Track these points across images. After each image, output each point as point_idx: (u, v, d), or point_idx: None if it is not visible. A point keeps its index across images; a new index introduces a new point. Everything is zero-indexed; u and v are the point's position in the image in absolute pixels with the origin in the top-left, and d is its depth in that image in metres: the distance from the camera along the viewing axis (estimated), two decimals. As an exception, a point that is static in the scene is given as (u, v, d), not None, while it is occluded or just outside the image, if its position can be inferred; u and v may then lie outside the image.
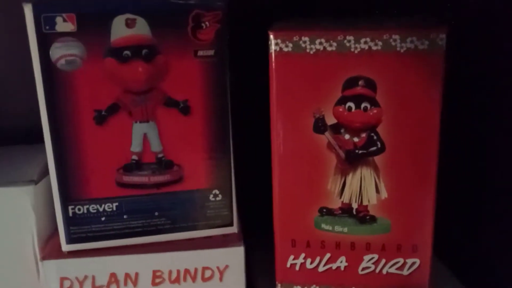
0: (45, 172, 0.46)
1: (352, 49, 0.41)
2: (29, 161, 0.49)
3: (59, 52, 0.40)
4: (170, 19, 0.40)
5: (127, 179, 0.44)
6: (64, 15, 0.39)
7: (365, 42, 0.40)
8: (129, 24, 0.40)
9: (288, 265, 0.47)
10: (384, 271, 0.45)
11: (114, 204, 0.44)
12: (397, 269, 0.45)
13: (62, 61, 0.40)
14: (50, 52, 0.40)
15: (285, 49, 0.41)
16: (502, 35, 0.46)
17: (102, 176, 0.43)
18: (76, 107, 0.41)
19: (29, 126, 0.54)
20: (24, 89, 0.51)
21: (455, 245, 0.53)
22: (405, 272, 0.45)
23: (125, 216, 0.44)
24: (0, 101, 0.57)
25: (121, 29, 0.40)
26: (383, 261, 0.45)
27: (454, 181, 0.52)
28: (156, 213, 0.45)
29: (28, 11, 0.39)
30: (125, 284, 0.45)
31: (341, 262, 0.46)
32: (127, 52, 0.40)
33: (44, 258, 0.44)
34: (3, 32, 0.54)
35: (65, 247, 0.45)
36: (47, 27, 0.39)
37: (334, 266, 0.46)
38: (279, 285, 0.47)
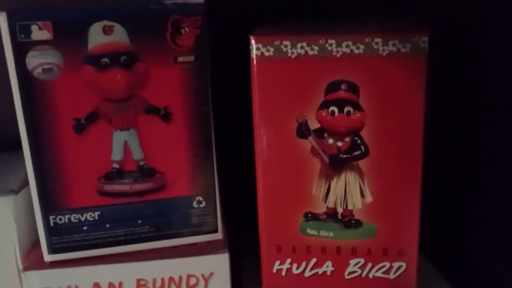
0: (26, 182, 0.44)
1: (334, 53, 0.40)
2: (9, 170, 0.48)
3: (36, 60, 0.38)
4: (149, 26, 0.39)
5: (109, 187, 0.42)
6: (39, 23, 0.38)
7: (347, 46, 0.39)
8: (107, 31, 0.39)
9: (274, 271, 0.46)
10: (370, 275, 0.45)
11: (96, 213, 0.43)
12: (383, 273, 0.44)
13: (39, 70, 0.39)
14: (27, 61, 0.38)
15: (267, 54, 0.40)
16: (486, 35, 0.45)
17: (83, 185, 0.42)
18: (55, 116, 0.40)
19: (8, 134, 0.52)
20: (1, 95, 0.49)
21: (442, 245, 0.53)
22: (392, 275, 0.44)
23: (107, 225, 0.43)
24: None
25: (98, 37, 0.39)
26: (369, 265, 0.44)
27: (440, 182, 0.51)
28: (139, 221, 0.44)
29: (2, 19, 0.37)
30: (109, 293, 0.44)
31: (327, 266, 0.45)
32: (105, 60, 0.39)
33: (26, 269, 0.43)
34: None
35: (47, 258, 0.43)
36: (23, 36, 0.38)
37: (320, 270, 0.45)
38: (265, 290, 0.46)
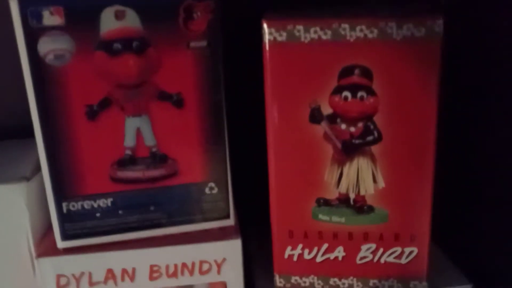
0: (38, 168, 0.44)
1: (348, 38, 0.39)
2: (21, 157, 0.47)
3: (47, 46, 0.38)
4: (161, 10, 0.38)
5: (121, 174, 0.42)
6: (51, 8, 0.37)
7: (361, 30, 0.39)
8: (119, 16, 0.38)
9: (286, 256, 0.45)
10: (382, 260, 0.44)
11: (109, 200, 0.42)
12: (395, 258, 0.44)
13: (51, 56, 0.38)
14: (38, 47, 0.38)
15: (279, 39, 0.40)
16: (500, 21, 0.45)
17: (96, 172, 0.41)
18: (67, 103, 0.39)
19: (19, 121, 0.52)
20: (13, 82, 0.49)
21: (454, 231, 0.52)
22: (403, 260, 0.44)
23: (120, 212, 0.43)
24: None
25: (110, 22, 0.38)
26: (381, 250, 0.44)
27: (452, 168, 0.51)
28: (152, 208, 0.43)
29: (14, 5, 0.36)
30: (122, 279, 0.43)
31: (339, 252, 0.45)
32: (117, 45, 0.39)
33: (39, 255, 0.43)
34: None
35: (60, 244, 0.43)
36: (34, 22, 0.37)
37: (332, 256, 0.45)
38: (277, 276, 0.46)
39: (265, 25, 0.40)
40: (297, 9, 0.44)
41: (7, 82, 0.53)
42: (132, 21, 0.38)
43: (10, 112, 0.54)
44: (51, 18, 0.37)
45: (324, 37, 0.39)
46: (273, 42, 0.40)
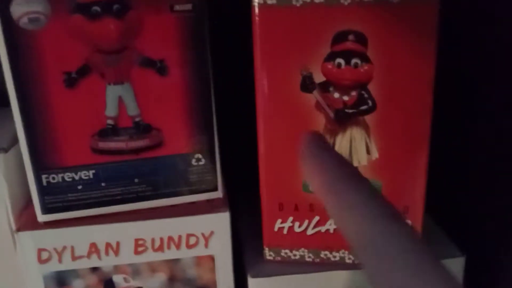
0: (16, 139, 0.42)
1: (342, 1, 0.37)
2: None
3: (21, 9, 0.35)
4: (142, -30, 0.36)
5: (103, 145, 0.40)
6: (23, -33, 0.34)
7: (356, -7, 0.36)
8: (97, -24, 0.35)
9: (276, 229, 0.44)
10: (374, 233, 0.43)
11: (91, 172, 0.40)
12: (388, 230, 0.43)
13: (25, 19, 0.35)
14: (11, 10, 0.35)
15: (270, 1, 0.37)
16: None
17: (76, 143, 0.39)
18: (43, 70, 0.37)
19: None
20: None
21: (447, 203, 0.51)
22: (396, 233, 0.43)
23: (103, 184, 0.41)
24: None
25: (88, -18, 0.35)
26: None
27: (448, 139, 0.49)
28: (136, 180, 0.41)
29: (-18, -37, 0.34)
30: (106, 253, 0.42)
31: (330, 225, 0.43)
32: (96, 8, 0.36)
33: (19, 229, 0.41)
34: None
35: (41, 218, 0.41)
36: (6, -18, 0.34)
37: (323, 229, 0.43)
38: (266, 249, 0.45)
39: (254, -13, 0.37)
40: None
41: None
42: (111, -19, 0.36)
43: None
44: (23, -22, 0.34)
45: (317, 0, 0.37)
46: (263, 5, 0.37)
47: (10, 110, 0.39)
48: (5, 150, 0.41)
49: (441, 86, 0.39)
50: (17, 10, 0.35)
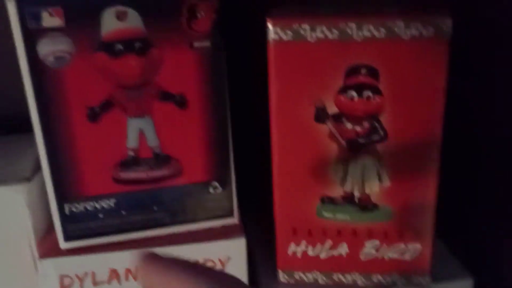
0: (38, 167, 0.43)
1: (355, 37, 0.38)
2: (20, 155, 0.46)
3: (47, 48, 0.36)
4: (164, 10, 0.37)
5: (124, 175, 0.41)
6: (50, 9, 0.35)
7: (368, 30, 0.38)
8: (120, 16, 0.36)
9: (289, 253, 0.45)
10: (385, 257, 0.44)
11: (112, 201, 0.42)
12: (398, 254, 0.44)
13: (51, 58, 0.37)
14: (38, 49, 0.36)
15: (285, 38, 0.39)
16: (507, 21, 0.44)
17: (98, 173, 0.41)
18: (68, 104, 0.38)
19: (18, 113, 0.50)
20: (9, 75, 0.47)
21: (456, 225, 0.53)
22: (407, 257, 0.44)
23: (123, 212, 0.42)
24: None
25: (112, 22, 0.36)
26: (385, 246, 0.44)
27: (457, 165, 0.51)
28: (155, 208, 0.43)
29: (11, 6, 0.35)
30: (126, 279, 0.43)
31: (343, 248, 0.44)
32: (119, 46, 0.37)
33: (42, 256, 0.42)
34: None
35: (63, 245, 0.42)
36: (33, 23, 0.35)
37: (335, 252, 0.45)
38: (280, 272, 0.46)
39: (270, 24, 0.38)
40: (301, 5, 0.43)
41: (5, 72, 0.51)
42: (134, 21, 0.37)
43: (9, 104, 0.53)
44: (50, 19, 0.36)
45: (330, 36, 0.38)
46: (278, 41, 0.39)
47: (29, 136, 0.40)
48: (28, 180, 0.42)
49: (451, 114, 0.40)
50: (44, 49, 0.36)
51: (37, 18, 0.35)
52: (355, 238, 0.44)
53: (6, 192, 0.41)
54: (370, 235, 0.43)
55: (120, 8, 0.36)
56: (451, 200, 0.51)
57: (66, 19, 0.36)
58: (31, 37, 0.36)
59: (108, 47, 0.37)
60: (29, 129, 0.40)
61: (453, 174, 0.50)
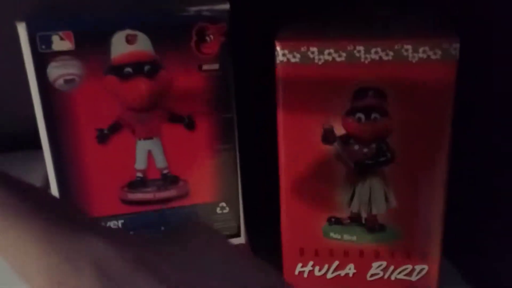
0: (46, 185, 0.43)
1: (362, 59, 0.38)
2: (28, 172, 0.46)
3: (57, 72, 0.36)
4: (173, 34, 0.37)
5: (132, 196, 0.41)
6: (61, 33, 0.35)
7: (376, 52, 0.38)
8: (130, 40, 0.37)
9: (296, 273, 0.45)
10: (392, 277, 0.44)
11: (120, 221, 0.42)
12: (405, 275, 0.44)
13: (61, 81, 0.37)
14: (48, 72, 0.36)
15: (292, 60, 0.39)
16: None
17: (107, 195, 0.41)
18: (77, 126, 0.38)
19: (24, 130, 0.50)
20: (19, 93, 0.47)
21: (463, 246, 0.52)
22: (414, 278, 0.44)
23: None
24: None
25: (121, 46, 0.37)
26: (392, 267, 0.44)
27: (463, 185, 0.51)
28: (163, 228, 0.43)
29: (21, 30, 0.35)
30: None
31: (350, 269, 0.44)
32: (128, 69, 0.37)
33: (49, 277, 0.42)
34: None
35: (71, 266, 0.42)
36: (43, 47, 0.36)
37: (342, 273, 0.44)
38: (287, 292, 0.46)
39: (278, 46, 0.39)
40: (308, 24, 0.43)
41: (13, 89, 0.51)
42: (143, 45, 0.37)
43: (17, 120, 0.53)
44: (60, 43, 0.36)
45: (338, 59, 0.38)
46: (286, 63, 0.39)
47: (37, 153, 0.40)
48: (36, 200, 0.42)
49: (457, 134, 0.40)
50: (54, 72, 0.36)
51: (48, 41, 0.36)
52: (362, 258, 0.44)
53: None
54: (377, 256, 0.43)
55: (130, 31, 0.36)
56: (458, 220, 0.51)
57: (76, 42, 0.36)
58: (42, 60, 0.36)
59: (117, 70, 0.37)
60: (37, 145, 0.39)
61: (460, 195, 0.50)
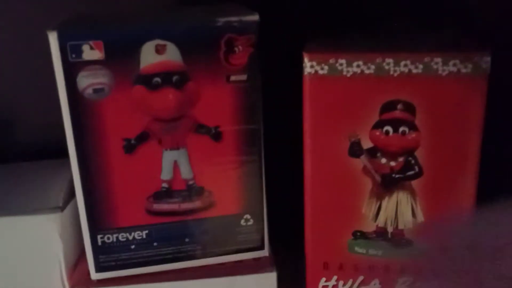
0: (70, 196, 0.43)
1: (391, 72, 0.38)
2: (54, 181, 0.46)
3: (87, 81, 0.36)
4: (202, 44, 0.37)
5: (157, 207, 0.41)
6: (91, 42, 0.36)
7: (405, 65, 0.37)
8: (159, 50, 0.37)
9: (320, 287, 0.44)
10: (418, 293, 0.43)
11: (144, 232, 0.41)
12: (432, 291, 0.43)
13: (90, 90, 0.37)
14: (77, 81, 0.36)
15: (321, 72, 0.39)
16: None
17: (132, 205, 0.40)
18: (104, 136, 0.38)
19: (52, 139, 0.51)
20: (48, 101, 0.47)
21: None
22: (440, 294, 0.43)
23: (155, 244, 0.42)
24: (19, 113, 0.54)
25: (151, 56, 0.37)
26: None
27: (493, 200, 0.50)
28: (187, 240, 0.42)
29: (53, 39, 0.35)
30: (156, 311, 0.43)
31: (375, 284, 0.43)
32: (157, 79, 0.37)
33: (73, 286, 0.42)
34: (27, 42, 0.51)
35: (94, 276, 0.42)
36: (74, 56, 0.36)
37: (367, 288, 0.44)
38: (310, 306, 0.45)
39: (306, 58, 0.38)
40: (337, 37, 0.43)
41: (43, 97, 0.51)
42: (173, 55, 0.37)
43: (41, 129, 0.54)
44: (91, 52, 0.36)
45: (367, 71, 0.38)
46: (314, 75, 0.39)
47: (64, 162, 0.40)
48: (61, 209, 0.42)
49: (487, 149, 0.40)
50: (83, 81, 0.37)
51: (78, 51, 0.36)
52: (388, 274, 0.43)
53: (39, 221, 0.41)
54: (403, 271, 0.43)
55: (160, 42, 0.36)
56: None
57: (106, 52, 0.36)
58: (71, 69, 0.36)
59: (146, 80, 0.37)
60: (64, 154, 0.39)
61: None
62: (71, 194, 0.42)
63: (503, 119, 0.46)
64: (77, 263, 0.44)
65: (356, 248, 0.43)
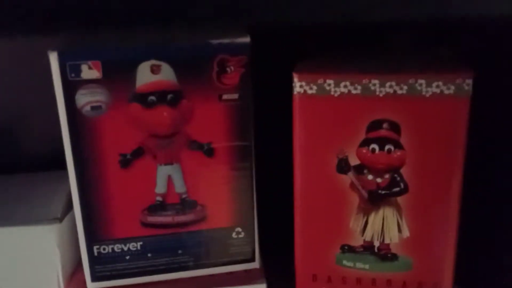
0: (69, 208, 0.45)
1: (377, 93, 0.39)
2: (52, 193, 0.48)
3: (85, 99, 0.38)
4: (195, 65, 0.38)
5: (152, 219, 0.42)
6: (89, 62, 0.37)
7: (390, 86, 0.39)
8: (154, 70, 0.38)
9: (309, 299, 0.46)
10: (404, 306, 0.44)
11: (139, 244, 0.43)
12: (417, 304, 0.44)
13: (88, 108, 0.38)
14: (76, 99, 0.38)
15: (309, 91, 0.40)
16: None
17: (127, 217, 0.42)
18: (101, 151, 0.40)
19: (49, 151, 0.52)
20: (47, 117, 0.49)
21: (476, 275, 0.52)
22: (426, 307, 0.44)
23: (149, 255, 0.43)
24: (20, 126, 0.56)
25: (146, 75, 0.38)
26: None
27: (475, 215, 0.51)
28: (180, 251, 0.43)
29: (53, 59, 0.37)
30: (150, 320, 0.44)
31: (362, 296, 0.45)
32: (152, 98, 0.39)
33: (69, 295, 0.43)
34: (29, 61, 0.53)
35: (90, 285, 0.43)
36: (73, 75, 0.37)
37: (355, 300, 0.45)
38: (299, 318, 0.46)
39: (295, 78, 0.40)
40: (326, 58, 0.44)
41: (43, 113, 0.53)
42: (167, 75, 0.38)
43: (40, 141, 0.55)
44: (89, 72, 0.37)
45: (354, 91, 0.39)
46: (303, 95, 0.40)
47: (63, 174, 0.42)
48: (60, 220, 0.43)
49: (470, 166, 0.41)
50: (81, 99, 0.38)
51: (77, 70, 0.37)
52: (374, 287, 0.44)
53: (38, 231, 0.43)
54: (390, 285, 0.44)
55: (155, 62, 0.38)
56: (471, 249, 0.51)
57: (104, 71, 0.37)
58: (71, 87, 0.38)
59: (142, 98, 0.39)
60: (62, 167, 0.41)
61: (472, 224, 0.50)
62: (70, 205, 0.43)
63: (486, 138, 0.48)
64: (74, 272, 0.46)
65: (344, 262, 0.44)
